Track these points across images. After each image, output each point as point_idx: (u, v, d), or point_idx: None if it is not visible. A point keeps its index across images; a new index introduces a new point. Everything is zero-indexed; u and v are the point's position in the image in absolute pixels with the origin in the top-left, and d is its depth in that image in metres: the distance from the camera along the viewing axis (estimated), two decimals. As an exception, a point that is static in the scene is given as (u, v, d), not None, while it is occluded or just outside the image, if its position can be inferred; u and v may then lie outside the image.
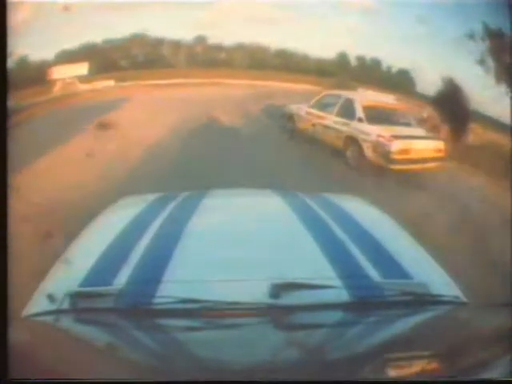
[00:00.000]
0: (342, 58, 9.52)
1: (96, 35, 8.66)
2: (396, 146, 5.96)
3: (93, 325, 1.73)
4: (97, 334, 1.70)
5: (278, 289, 1.70)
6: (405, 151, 5.98)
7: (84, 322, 1.74)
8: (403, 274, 1.87)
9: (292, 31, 8.69)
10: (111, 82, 9.20)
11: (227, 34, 8.95)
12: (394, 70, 9.14)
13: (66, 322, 1.72)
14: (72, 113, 7.91)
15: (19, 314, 1.78)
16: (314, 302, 1.69)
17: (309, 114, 7.29)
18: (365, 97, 6.99)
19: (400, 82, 8.70)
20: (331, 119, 6.77)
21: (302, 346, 1.54)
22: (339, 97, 7.02)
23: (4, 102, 2.07)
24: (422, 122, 6.79)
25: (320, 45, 8.72)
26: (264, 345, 1.55)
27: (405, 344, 1.60)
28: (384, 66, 9.14)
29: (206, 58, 9.84)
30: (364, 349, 1.56)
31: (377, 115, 6.40)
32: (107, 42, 9.15)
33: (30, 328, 1.72)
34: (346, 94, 7.08)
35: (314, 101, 7.43)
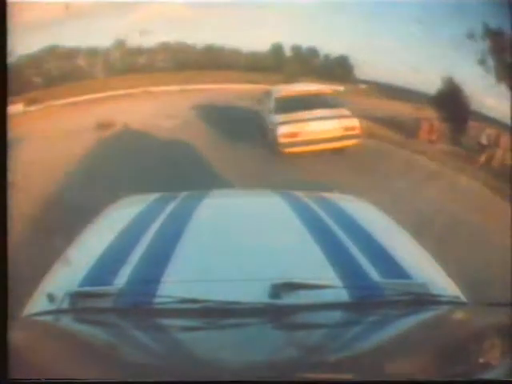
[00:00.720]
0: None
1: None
2: (282, 130, 6.48)
3: (93, 324, 1.73)
4: (97, 334, 1.70)
5: (278, 289, 1.70)
6: (293, 134, 6.43)
7: (84, 322, 1.74)
8: (403, 273, 1.87)
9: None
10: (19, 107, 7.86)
11: (148, 36, 8.48)
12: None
13: (66, 322, 1.72)
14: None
15: (19, 313, 1.78)
16: (314, 302, 1.69)
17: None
18: (283, 89, 7.50)
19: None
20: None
21: (301, 345, 1.54)
22: (268, 92, 7.58)
23: (4, 102, 2.07)
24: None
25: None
26: (264, 345, 1.55)
27: (405, 344, 1.60)
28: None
29: (126, 64, 9.18)
30: (364, 349, 1.56)
31: (290, 104, 6.79)
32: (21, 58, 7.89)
33: (29, 328, 1.72)
34: (271, 88, 7.62)
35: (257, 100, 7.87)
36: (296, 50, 9.66)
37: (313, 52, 9.64)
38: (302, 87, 7.59)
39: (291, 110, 6.69)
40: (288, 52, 9.61)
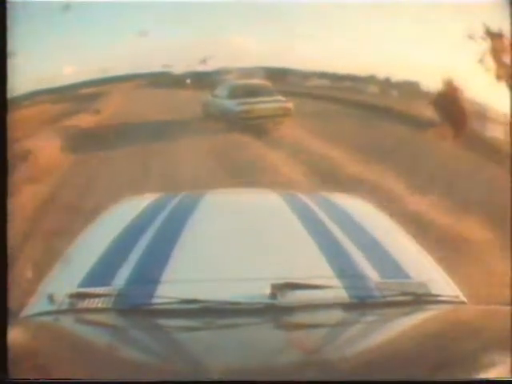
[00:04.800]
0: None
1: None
2: (241, 108, 9.17)
3: (92, 325, 1.73)
4: (96, 335, 1.70)
5: (278, 289, 1.70)
6: (248, 111, 9.15)
7: (84, 323, 1.74)
8: (402, 273, 1.87)
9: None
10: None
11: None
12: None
13: (66, 323, 1.73)
14: None
15: (19, 314, 1.78)
16: (313, 302, 1.69)
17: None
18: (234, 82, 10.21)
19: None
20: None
21: (301, 345, 1.54)
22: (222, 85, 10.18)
23: (4, 102, 2.07)
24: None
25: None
26: (263, 345, 1.55)
27: (404, 344, 1.60)
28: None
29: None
30: (363, 349, 1.56)
31: (241, 92, 9.55)
32: None
33: (29, 328, 1.72)
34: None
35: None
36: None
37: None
38: (249, 81, 10.22)
39: (242, 96, 9.37)
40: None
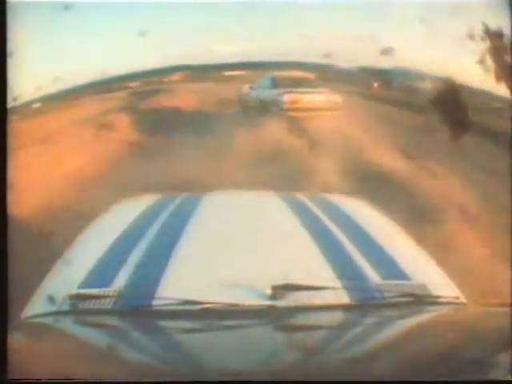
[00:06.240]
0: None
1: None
2: (286, 97, 8.40)
3: (92, 326, 1.73)
4: (96, 336, 1.70)
5: (278, 290, 1.70)
6: (294, 101, 8.40)
7: (84, 324, 1.74)
8: (402, 274, 1.87)
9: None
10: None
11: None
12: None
13: (66, 324, 1.73)
14: None
15: (19, 315, 1.78)
16: (313, 304, 1.69)
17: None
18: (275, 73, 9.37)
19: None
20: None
21: (301, 347, 1.54)
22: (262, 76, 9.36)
23: (4, 102, 2.08)
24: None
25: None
26: (263, 346, 1.55)
27: (405, 345, 1.60)
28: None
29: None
30: (363, 350, 1.56)
31: (284, 83, 8.75)
32: None
33: (29, 329, 1.72)
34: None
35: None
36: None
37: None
38: (291, 72, 9.39)
39: (286, 86, 8.64)
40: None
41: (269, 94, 8.92)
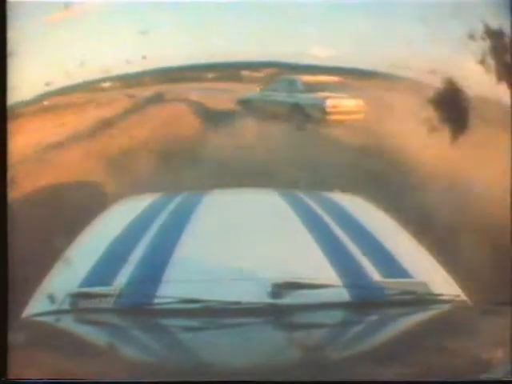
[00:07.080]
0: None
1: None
2: (328, 103, 7.62)
3: (93, 325, 1.73)
4: (97, 334, 1.70)
5: (279, 288, 1.70)
6: (335, 106, 7.64)
7: (84, 322, 1.74)
8: (403, 272, 1.87)
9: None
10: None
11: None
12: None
13: (67, 322, 1.72)
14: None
15: (19, 314, 1.78)
16: (314, 302, 1.69)
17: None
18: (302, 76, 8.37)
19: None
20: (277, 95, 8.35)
21: (302, 345, 1.54)
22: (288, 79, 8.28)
23: (4, 102, 2.07)
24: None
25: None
26: (265, 344, 1.55)
27: (405, 343, 1.60)
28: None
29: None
30: (365, 348, 1.56)
31: (314, 87, 7.83)
32: None
33: (30, 328, 1.72)
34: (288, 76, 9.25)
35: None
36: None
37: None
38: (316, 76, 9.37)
39: (316, 91, 7.81)
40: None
41: (305, 98, 7.75)
